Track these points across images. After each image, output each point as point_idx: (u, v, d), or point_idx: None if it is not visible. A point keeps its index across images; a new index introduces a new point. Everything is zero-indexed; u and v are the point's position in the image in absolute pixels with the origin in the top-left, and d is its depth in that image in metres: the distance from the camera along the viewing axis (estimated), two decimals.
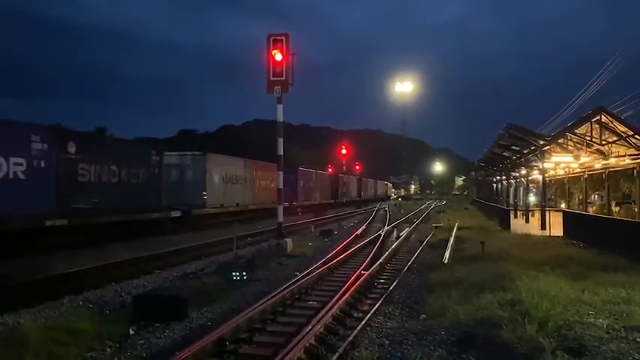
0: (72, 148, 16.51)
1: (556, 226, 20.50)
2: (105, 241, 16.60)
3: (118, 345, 7.11)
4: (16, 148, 14.40)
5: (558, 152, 24.46)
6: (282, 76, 17.33)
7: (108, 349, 6.93)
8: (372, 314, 8.36)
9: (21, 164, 14.37)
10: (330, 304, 8.48)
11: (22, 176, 14.37)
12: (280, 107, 17.66)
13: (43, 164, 15.08)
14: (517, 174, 36.65)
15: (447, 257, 14.53)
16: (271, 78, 17.39)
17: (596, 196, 37.52)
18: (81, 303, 9.40)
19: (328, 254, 15.24)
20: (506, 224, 23.96)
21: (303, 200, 42.08)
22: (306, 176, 44.44)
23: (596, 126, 21.46)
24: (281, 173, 18.75)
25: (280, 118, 17.83)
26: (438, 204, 68.71)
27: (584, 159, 23.58)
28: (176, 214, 22.31)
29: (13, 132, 14.74)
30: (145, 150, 21.58)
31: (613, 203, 29.89)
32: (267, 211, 30.53)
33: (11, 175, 14.06)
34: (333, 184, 54.61)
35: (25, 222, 14.37)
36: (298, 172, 41.74)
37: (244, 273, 11.86)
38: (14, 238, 13.92)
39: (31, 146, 14.77)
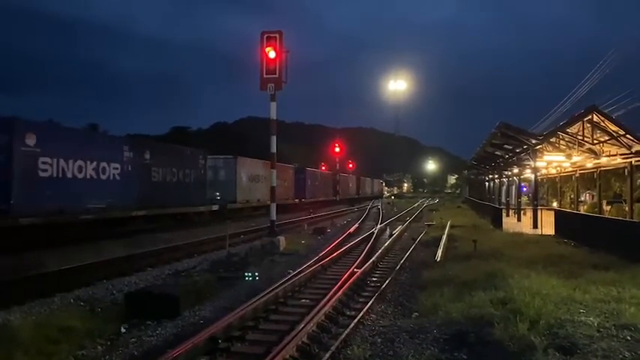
0: (147, 155, 21.04)
1: (548, 225, 20.61)
2: (169, 229, 21.23)
3: (109, 343, 7.08)
4: (114, 156, 18.91)
5: (550, 151, 24.59)
6: (275, 74, 17.26)
7: (99, 347, 6.90)
8: (364, 312, 8.37)
9: (117, 168, 18.96)
10: (323, 302, 8.48)
11: (118, 177, 18.92)
12: (274, 105, 17.60)
13: (130, 168, 19.67)
14: (509, 173, 36.83)
15: (440, 255, 14.57)
16: (265, 75, 17.31)
17: (587, 195, 37.78)
18: (72, 300, 9.35)
19: (321, 252, 15.24)
20: (498, 223, 24.06)
21: (310, 197, 46.10)
22: (313, 175, 49.30)
23: (588, 125, 21.58)
24: (274, 171, 18.73)
25: (274, 115, 17.78)
26: (431, 202, 68.96)
27: (576, 158, 23.73)
28: (215, 207, 26.63)
29: (113, 144, 19.69)
30: (195, 155, 25.83)
31: (604, 202, 30.10)
32: (280, 206, 33.05)
33: (111, 177, 18.63)
34: (335, 182, 58.55)
35: (120, 212, 18.93)
36: (306, 172, 46.58)
37: (256, 274, 11.90)
38: (113, 223, 18.77)
39: (123, 154, 19.42)
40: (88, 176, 17.46)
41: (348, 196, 64.55)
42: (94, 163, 17.76)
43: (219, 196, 26.82)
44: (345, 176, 66.09)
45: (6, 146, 14.55)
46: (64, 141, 16.93)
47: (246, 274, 11.86)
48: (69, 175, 16.58)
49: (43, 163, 15.62)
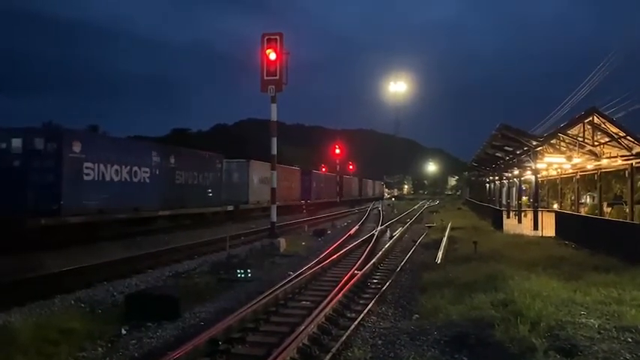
0: (172, 160, 23.05)
1: (548, 227, 20.58)
2: (189, 227, 23.32)
3: (109, 345, 7.07)
4: (145, 160, 20.89)
5: (551, 153, 24.58)
6: (275, 76, 17.27)
7: (99, 349, 6.89)
8: (365, 314, 8.36)
9: (147, 172, 20.84)
10: (324, 304, 8.47)
11: (147, 180, 20.82)
12: (274, 106, 17.61)
13: (157, 172, 21.58)
14: (510, 174, 36.80)
15: (440, 257, 14.56)
16: (265, 77, 17.32)
17: (588, 196, 37.73)
18: (72, 302, 9.34)
19: (322, 254, 15.23)
20: (498, 224, 24.04)
21: (315, 198, 48.51)
22: (318, 178, 51.98)
23: (589, 127, 21.57)
24: (274, 173, 18.75)
25: (274, 117, 17.79)
26: (431, 204, 68.91)
27: (577, 160, 23.70)
28: (230, 208, 28.26)
29: (143, 150, 21.63)
30: (212, 159, 27.71)
31: (605, 204, 30.07)
32: (287, 207, 37.95)
33: (142, 180, 20.50)
34: (339, 184, 60.85)
35: (148, 211, 20.87)
36: (312, 175, 49.07)
37: (248, 271, 12.04)
38: (142, 222, 20.70)
39: (152, 159, 21.37)
40: (123, 179, 19.37)
41: (351, 197, 66.76)
42: (128, 167, 19.68)
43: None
44: (348, 178, 68.73)
45: (56, 153, 16.36)
46: (103, 148, 18.87)
47: (238, 271, 11.97)
48: (107, 178, 18.44)
49: (87, 167, 17.48)
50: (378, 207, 49.80)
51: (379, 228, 24.22)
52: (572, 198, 36.69)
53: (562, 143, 23.91)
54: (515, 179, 36.11)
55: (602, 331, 6.65)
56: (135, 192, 19.91)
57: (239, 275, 11.83)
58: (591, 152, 23.06)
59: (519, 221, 28.54)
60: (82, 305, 9.13)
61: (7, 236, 14.39)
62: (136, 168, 20.04)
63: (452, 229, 23.87)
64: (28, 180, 16.09)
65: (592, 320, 7.11)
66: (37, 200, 16.00)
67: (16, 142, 16.36)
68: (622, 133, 20.52)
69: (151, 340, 7.31)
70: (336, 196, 58.50)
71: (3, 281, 10.31)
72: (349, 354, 6.50)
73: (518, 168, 31.32)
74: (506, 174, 37.03)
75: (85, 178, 17.30)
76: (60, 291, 10.03)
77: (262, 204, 32.77)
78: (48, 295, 9.69)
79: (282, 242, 17.40)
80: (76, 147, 17.02)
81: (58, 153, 16.37)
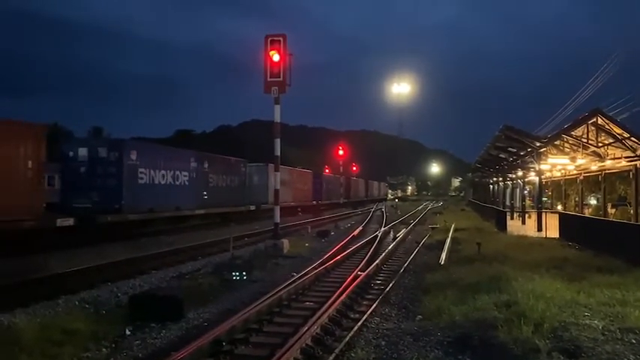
0: (206, 165, 26.09)
1: (552, 228, 20.54)
2: (218, 225, 25.47)
3: (113, 345, 7.09)
4: (184, 166, 23.94)
5: (554, 154, 24.56)
6: (279, 77, 17.27)
7: (104, 350, 6.91)
8: (368, 315, 8.36)
9: (186, 176, 23.88)
10: (327, 304, 8.48)
11: (187, 183, 23.89)
12: (278, 108, 17.63)
13: (194, 175, 24.61)
14: (513, 175, 36.74)
15: (444, 258, 14.54)
16: (269, 79, 17.32)
17: (592, 198, 37.63)
18: (77, 303, 9.37)
19: (325, 255, 15.24)
20: (502, 226, 24.00)
21: (326, 200, 52.17)
22: (328, 180, 55.44)
23: (592, 128, 21.54)
24: (278, 174, 18.76)
25: (277, 118, 17.79)
26: (435, 205, 68.84)
27: (581, 161, 23.68)
28: (252, 207, 31.22)
29: (184, 156, 24.61)
30: (238, 163, 30.85)
31: (609, 205, 29.99)
32: (302, 207, 42.19)
33: (183, 183, 23.60)
34: (347, 185, 64.38)
35: (187, 211, 23.81)
36: (323, 177, 53.23)
37: (244, 273, 12.01)
38: (180, 219, 23.62)
39: (190, 165, 24.43)
40: (168, 182, 22.37)
41: (358, 198, 70.75)
42: (172, 172, 22.71)
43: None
44: (355, 180, 73.57)
45: (117, 160, 19.23)
46: (153, 155, 21.67)
47: (234, 273, 12.00)
48: (156, 181, 21.39)
49: (141, 172, 20.38)
50: (381, 208, 49.80)
51: (383, 229, 24.22)
52: (576, 199, 36.60)
53: (566, 144, 23.89)
54: (518, 180, 36.07)
55: (605, 333, 6.65)
56: (177, 193, 22.96)
57: (235, 277, 11.80)
58: (595, 153, 23.03)
59: (523, 222, 28.48)
60: (87, 306, 9.16)
61: (80, 231, 16.77)
62: (177, 172, 23.16)
63: (455, 230, 23.83)
64: (94, 183, 18.93)
65: (596, 321, 7.10)
66: (102, 200, 18.78)
67: (82, 151, 19.29)
68: (626, 134, 20.49)
69: (155, 340, 7.33)
70: (345, 197, 61.79)
71: (8, 282, 10.37)
72: (352, 355, 6.51)
73: (521, 169, 31.27)
74: (509, 175, 36.97)
75: (139, 181, 20.23)
76: (64, 292, 10.07)
77: (281, 203, 34.26)
78: (52, 295, 9.73)
79: (286, 243, 17.41)
80: (133, 155, 19.93)
81: (119, 160, 19.23)
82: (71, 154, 19.26)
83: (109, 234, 17.95)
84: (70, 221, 16.43)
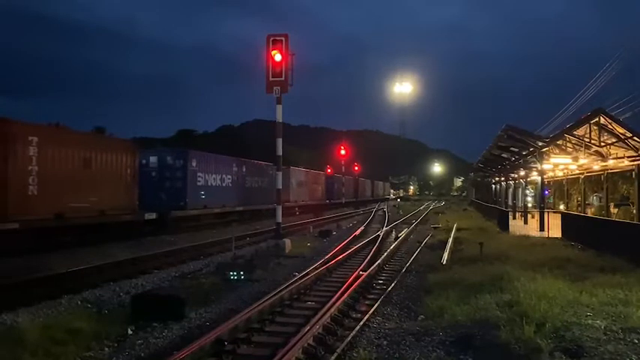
0: (244, 169, 31.03)
1: (554, 228, 20.51)
2: (251, 220, 29.93)
3: (116, 344, 7.11)
4: (228, 170, 28.79)
5: (557, 154, 24.49)
6: (281, 77, 17.29)
7: (106, 349, 6.93)
8: (370, 315, 8.36)
9: (229, 178, 28.77)
10: (329, 304, 8.49)
11: (230, 185, 28.77)
12: (279, 108, 17.64)
13: (236, 178, 29.60)
14: (516, 175, 36.69)
15: (446, 258, 14.53)
16: (270, 78, 17.34)
17: (594, 197, 37.54)
18: (79, 302, 9.40)
19: (327, 255, 15.23)
20: (504, 226, 23.96)
21: (337, 199, 57.15)
22: (339, 180, 59.74)
23: (595, 128, 21.49)
24: (280, 174, 18.77)
25: (279, 118, 17.81)
26: (437, 205, 68.77)
27: (583, 160, 23.61)
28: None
29: (228, 162, 29.22)
30: (267, 167, 34.66)
31: (611, 205, 29.91)
32: (316, 205, 45.68)
33: (227, 185, 28.39)
34: (355, 185, 69.82)
35: (230, 208, 28.39)
36: (334, 177, 59.27)
37: (242, 273, 11.96)
38: (224, 215, 27.45)
39: (233, 169, 29.40)
40: (217, 184, 26.99)
41: (365, 197, 76.53)
42: (220, 175, 27.43)
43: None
44: (362, 180, 79.13)
45: (182, 167, 23.85)
46: (207, 162, 26.17)
47: (230, 273, 11.97)
48: (209, 183, 26.04)
49: (199, 176, 25.03)
50: (383, 208, 49.75)
51: (384, 229, 24.21)
52: (579, 199, 36.52)
53: (568, 144, 23.83)
54: (521, 180, 36.00)
55: (608, 333, 6.64)
56: (223, 193, 27.47)
57: (232, 277, 11.77)
58: (598, 153, 22.97)
59: (525, 222, 28.44)
60: (89, 305, 9.19)
61: (157, 223, 20.81)
62: (223, 175, 27.87)
63: (457, 230, 23.82)
64: (163, 186, 23.55)
65: (598, 321, 7.09)
66: (170, 199, 23.28)
67: (153, 159, 23.82)
68: (629, 134, 20.44)
69: (157, 340, 7.34)
70: (354, 197, 66.89)
71: (11, 282, 10.40)
72: (354, 354, 6.51)
73: (524, 169, 31.23)
74: (512, 175, 36.93)
75: (198, 183, 24.83)
76: (67, 291, 10.10)
77: (299, 202, 42.36)
78: (55, 295, 9.76)
79: (288, 243, 17.42)
80: (194, 162, 24.51)
81: (184, 167, 23.82)
82: (144, 161, 22.84)
83: (177, 225, 22.31)
84: (153, 215, 20.63)
